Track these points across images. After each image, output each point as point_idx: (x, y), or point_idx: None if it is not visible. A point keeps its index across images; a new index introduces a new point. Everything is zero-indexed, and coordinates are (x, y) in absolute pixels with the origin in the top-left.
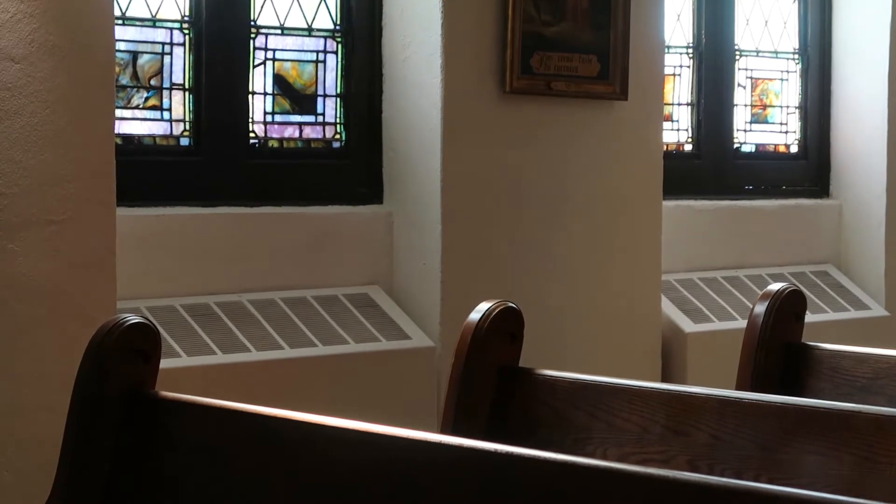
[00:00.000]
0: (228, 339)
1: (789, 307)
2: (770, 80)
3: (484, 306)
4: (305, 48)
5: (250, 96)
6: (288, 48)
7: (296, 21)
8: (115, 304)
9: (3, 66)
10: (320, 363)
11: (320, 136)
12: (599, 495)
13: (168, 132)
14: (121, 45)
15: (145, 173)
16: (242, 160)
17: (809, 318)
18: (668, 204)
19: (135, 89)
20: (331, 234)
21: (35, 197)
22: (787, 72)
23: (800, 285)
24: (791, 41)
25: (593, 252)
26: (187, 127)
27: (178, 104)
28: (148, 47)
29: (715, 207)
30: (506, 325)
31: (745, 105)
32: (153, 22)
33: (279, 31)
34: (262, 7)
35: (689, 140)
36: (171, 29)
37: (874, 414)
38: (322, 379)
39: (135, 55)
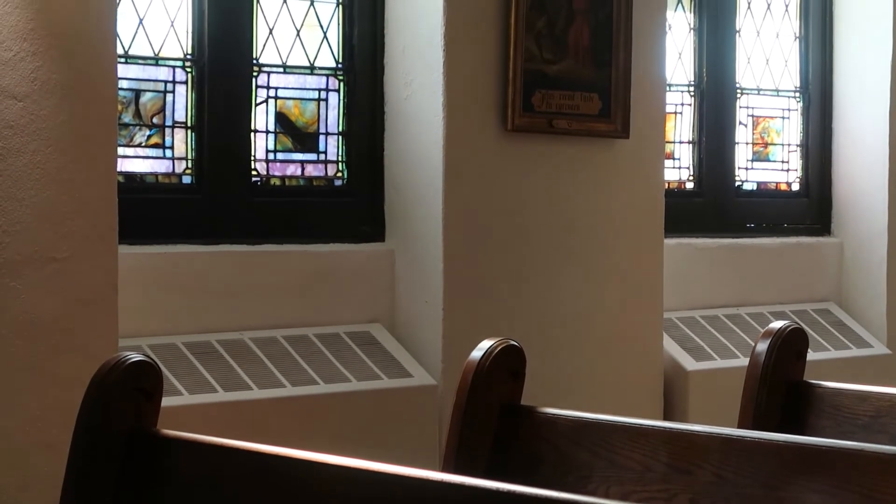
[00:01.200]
0: (230, 377)
1: (791, 345)
2: (771, 118)
3: (486, 344)
4: (307, 86)
5: (252, 134)
6: (290, 86)
7: (298, 59)
8: (117, 342)
9: (5, 105)
10: (322, 401)
11: (322, 173)
12: None
13: (170, 170)
14: (123, 84)
15: (147, 211)
16: (244, 198)
17: (811, 356)
18: (670, 242)
19: (137, 127)
20: (332, 271)
21: (37, 234)
22: (789, 110)
23: (801, 323)
24: (792, 79)
25: (595, 290)
26: (189, 165)
27: (181, 142)
28: (150, 85)
29: (716, 245)
30: (508, 362)
31: (747, 143)
32: (156, 60)
33: (281, 70)
34: (264, 45)
35: (691, 178)
36: (174, 67)
37: (877, 452)
38: (324, 417)
39: (137, 93)
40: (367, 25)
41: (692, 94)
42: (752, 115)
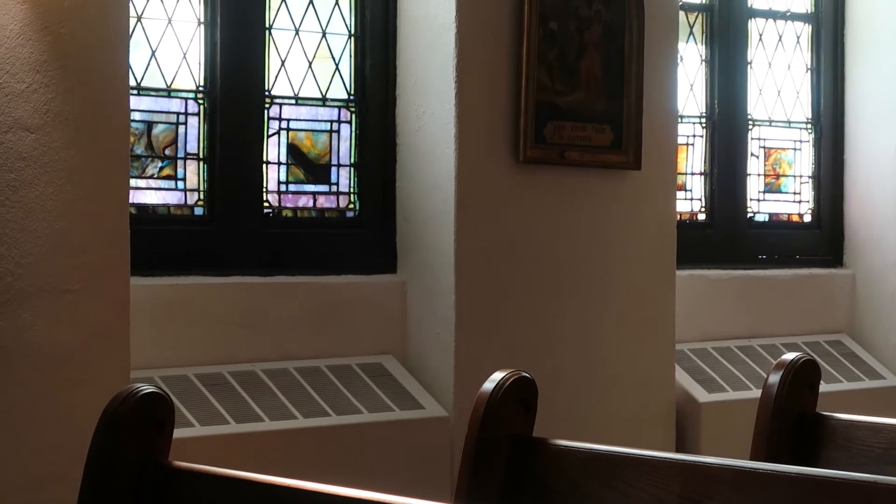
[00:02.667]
0: (242, 409)
1: (803, 377)
2: (783, 149)
3: (498, 376)
4: (319, 118)
5: (264, 166)
6: (302, 118)
7: (310, 91)
8: (129, 374)
9: (18, 137)
10: (333, 433)
11: (334, 205)
12: None
13: (182, 202)
14: (136, 115)
15: (159, 242)
16: (256, 230)
17: (824, 387)
18: (682, 273)
19: (149, 159)
20: (344, 303)
21: (49, 266)
22: (801, 141)
23: (814, 355)
24: (804, 111)
25: (607, 321)
26: (201, 196)
27: (193, 174)
28: (163, 117)
29: (729, 277)
30: (520, 394)
31: (759, 174)
32: (168, 92)
33: (293, 101)
34: (276, 77)
35: (703, 209)
36: (186, 99)
37: (890, 484)
38: (335, 449)
39: (149, 125)
40: (380, 57)
41: (704, 125)
42: (764, 147)
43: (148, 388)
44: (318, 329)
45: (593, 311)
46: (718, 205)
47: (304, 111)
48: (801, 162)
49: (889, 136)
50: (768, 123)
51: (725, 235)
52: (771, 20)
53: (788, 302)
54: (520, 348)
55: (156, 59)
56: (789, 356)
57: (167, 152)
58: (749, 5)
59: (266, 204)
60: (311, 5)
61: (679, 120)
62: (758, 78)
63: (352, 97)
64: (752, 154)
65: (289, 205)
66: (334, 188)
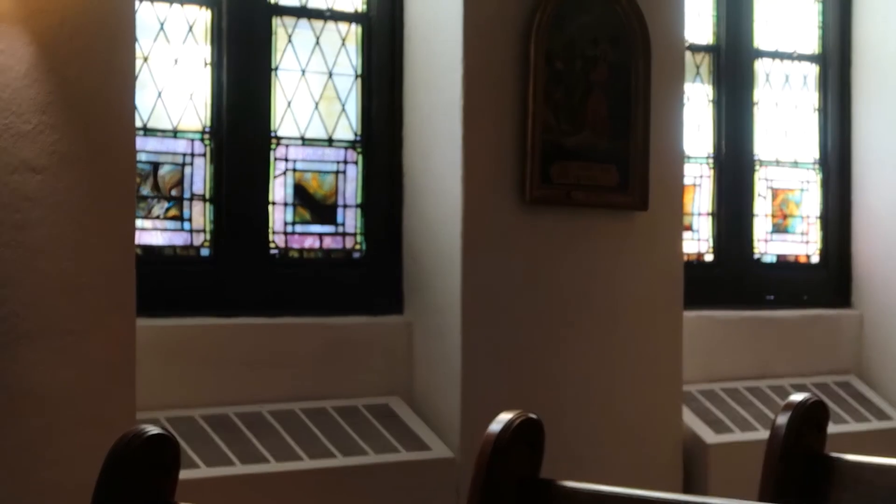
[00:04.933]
0: (248, 450)
1: (812, 418)
2: (790, 190)
3: (504, 417)
4: (326, 158)
5: (271, 206)
6: (308, 158)
7: (316, 132)
8: (135, 415)
9: (25, 177)
10: (339, 474)
11: (340, 245)
12: None
13: (188, 242)
14: (142, 156)
15: (165, 283)
16: (262, 270)
17: (832, 428)
18: (689, 314)
19: (156, 200)
20: (351, 344)
21: (55, 306)
22: (808, 182)
23: (822, 396)
24: (811, 151)
25: (614, 362)
26: (208, 237)
27: (199, 214)
28: (169, 158)
29: (736, 317)
30: (526, 436)
31: (766, 215)
32: (174, 133)
33: (300, 142)
34: (282, 118)
35: (710, 250)
36: (192, 140)
37: None
38: (342, 490)
39: (156, 165)
40: (386, 98)
41: (711, 165)
42: (771, 187)
43: (154, 430)
44: (325, 370)
45: (600, 352)
46: (726, 245)
47: (310, 152)
48: (809, 202)
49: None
50: (775, 164)
51: (733, 276)
52: (777, 60)
53: (796, 342)
54: (527, 389)
55: (162, 99)
56: (797, 397)
57: (173, 193)
58: (755, 46)
59: (272, 245)
60: (317, 46)
61: (686, 160)
62: (765, 118)
63: (358, 138)
64: (759, 194)
65: (295, 245)
66: (341, 229)
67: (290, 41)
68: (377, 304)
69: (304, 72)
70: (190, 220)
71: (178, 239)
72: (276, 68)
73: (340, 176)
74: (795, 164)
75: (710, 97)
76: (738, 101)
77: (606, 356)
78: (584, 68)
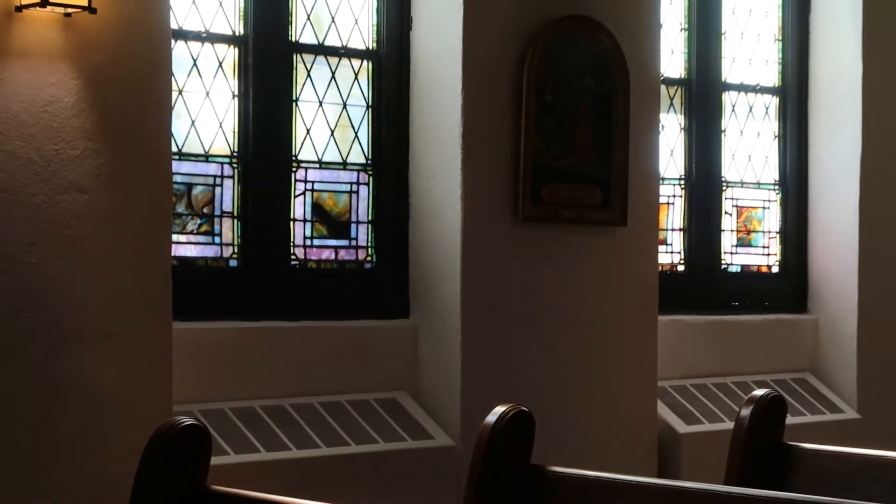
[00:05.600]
0: (271, 439)
1: (772, 411)
2: (753, 208)
3: (499, 410)
4: (340, 180)
5: (291, 223)
6: (325, 180)
7: (332, 156)
8: (172, 408)
9: (73, 197)
10: (353, 460)
11: (353, 258)
12: None
13: (219, 255)
14: (177, 178)
15: (198, 291)
16: (284, 279)
17: (790, 420)
18: (663, 318)
19: (189, 217)
20: (362, 345)
21: (99, 312)
22: (769, 201)
23: (781, 391)
24: (772, 173)
25: (596, 361)
26: (235, 250)
27: (228, 230)
28: (201, 179)
29: (705, 321)
30: (519, 426)
31: (732, 230)
32: (206, 157)
33: (317, 165)
34: (302, 143)
35: (682, 261)
36: (222, 163)
37: None
38: (354, 474)
39: (189, 186)
40: (394, 126)
41: (683, 186)
42: (736, 206)
43: (188, 421)
44: (339, 368)
45: (584, 352)
46: (696, 257)
47: (326, 174)
48: (770, 219)
49: (848, 195)
50: (740, 185)
51: (702, 284)
52: (742, 93)
53: (758, 344)
54: (519, 385)
55: (195, 127)
56: (759, 392)
57: (205, 211)
58: (723, 79)
59: (293, 256)
60: (333, 80)
61: (661, 181)
62: (731, 144)
63: (369, 161)
64: (725, 212)
65: (313, 257)
66: (354, 243)
67: (308, 75)
68: (386, 309)
69: (321, 103)
70: (220, 234)
71: (210, 251)
72: (297, 99)
73: (353, 195)
74: (758, 185)
75: (682, 125)
76: (707, 128)
77: (590, 355)
78: (571, 100)
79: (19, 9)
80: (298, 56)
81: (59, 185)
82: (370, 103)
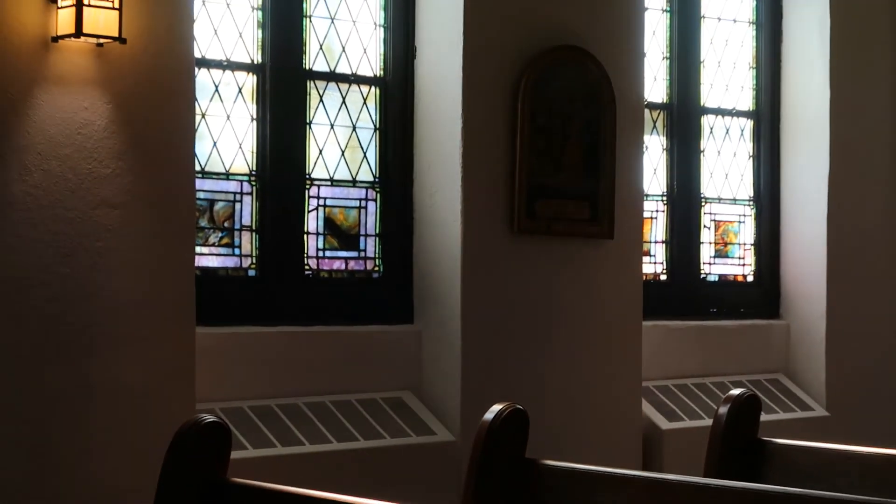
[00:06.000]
0: (287, 435)
1: (747, 409)
2: (730, 222)
3: (496, 408)
4: (350, 196)
5: (305, 236)
6: (336, 196)
7: (342, 174)
8: (195, 406)
9: (105, 212)
10: (362, 454)
11: (362, 268)
12: None
13: (238, 265)
14: (200, 195)
15: (219, 298)
16: (298, 288)
17: (764, 417)
18: (647, 323)
19: (211, 230)
20: (370, 348)
21: (129, 318)
22: (744, 215)
23: (756, 391)
24: (747, 190)
25: (585, 362)
26: (254, 261)
27: (247, 242)
28: (222, 196)
29: (686, 326)
30: (514, 423)
31: (710, 242)
32: (227, 175)
33: (329, 183)
34: (315, 163)
35: (664, 271)
36: (242, 181)
37: (819, 497)
38: (363, 467)
39: (212, 202)
40: (399, 147)
41: (665, 202)
42: (714, 220)
43: (210, 418)
44: (349, 369)
45: (574, 354)
46: (677, 267)
47: (337, 191)
48: (745, 232)
49: (817, 211)
50: (717, 201)
51: (683, 292)
52: (720, 116)
53: (735, 347)
54: (515, 385)
55: (217, 148)
56: (735, 391)
57: (226, 224)
58: (702, 104)
59: (307, 267)
60: (343, 104)
61: (644, 198)
62: (709, 163)
63: (377, 179)
64: (704, 226)
65: (325, 268)
66: (362, 254)
67: (321, 100)
68: (392, 315)
69: (332, 125)
70: (239, 246)
71: (230, 262)
72: (310, 122)
73: (362, 210)
74: (734, 201)
75: (665, 146)
76: (687, 149)
77: (580, 357)
78: (562, 122)
79: (55, 39)
80: (311, 82)
81: (91, 201)
82: (377, 126)
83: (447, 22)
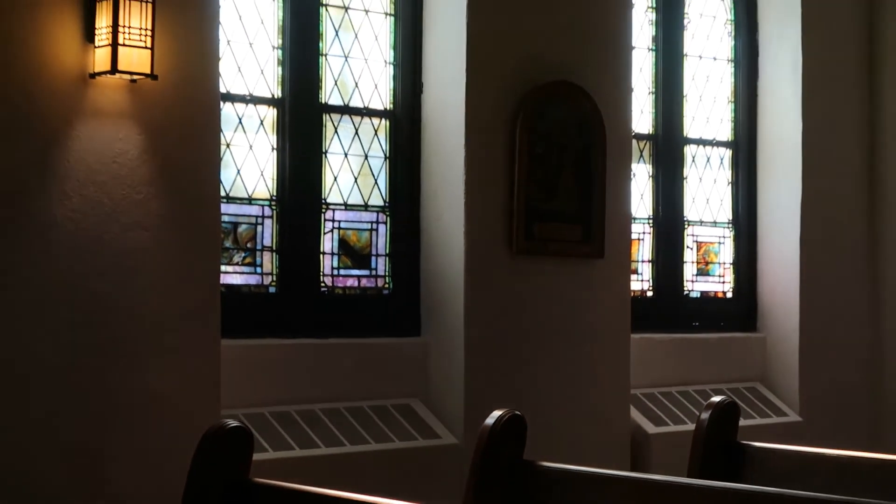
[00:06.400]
0: (304, 438)
1: (727, 414)
2: (711, 243)
3: (496, 413)
4: (363, 219)
5: (321, 255)
6: (349, 219)
7: (355, 199)
8: (220, 411)
9: (137, 233)
10: (373, 456)
11: (373, 285)
12: None
13: (260, 282)
14: (225, 218)
15: (243, 313)
16: (315, 303)
17: (742, 422)
18: (635, 336)
19: (235, 250)
20: (381, 359)
21: (160, 332)
22: (724, 237)
23: (735, 398)
24: (726, 214)
25: (578, 371)
26: (274, 279)
27: (268, 261)
28: (245, 219)
29: (670, 339)
30: (513, 427)
31: (692, 262)
32: (249, 200)
33: (343, 207)
34: (330, 189)
35: (650, 288)
36: (263, 205)
37: (794, 496)
38: (374, 468)
39: (235, 225)
40: (407, 174)
41: (651, 224)
42: (696, 241)
43: (233, 423)
44: (362, 378)
45: (568, 364)
46: (662, 284)
47: (351, 214)
48: (725, 252)
49: (790, 233)
50: (699, 223)
51: (667, 307)
52: (701, 146)
53: (715, 358)
54: (514, 393)
55: (240, 175)
56: (716, 399)
57: (248, 245)
58: (685, 135)
59: (322, 284)
60: (356, 136)
61: (632, 220)
62: (691, 189)
63: (387, 204)
64: (687, 246)
65: (339, 285)
66: (374, 272)
67: (336, 132)
68: (401, 328)
69: (346, 154)
70: (261, 265)
71: (252, 280)
72: (326, 152)
73: (373, 232)
74: (714, 224)
75: (650, 173)
76: (672, 176)
77: (573, 367)
78: (557, 152)
79: (92, 76)
80: (327, 115)
81: (125, 224)
82: (387, 155)
83: (451, 60)
